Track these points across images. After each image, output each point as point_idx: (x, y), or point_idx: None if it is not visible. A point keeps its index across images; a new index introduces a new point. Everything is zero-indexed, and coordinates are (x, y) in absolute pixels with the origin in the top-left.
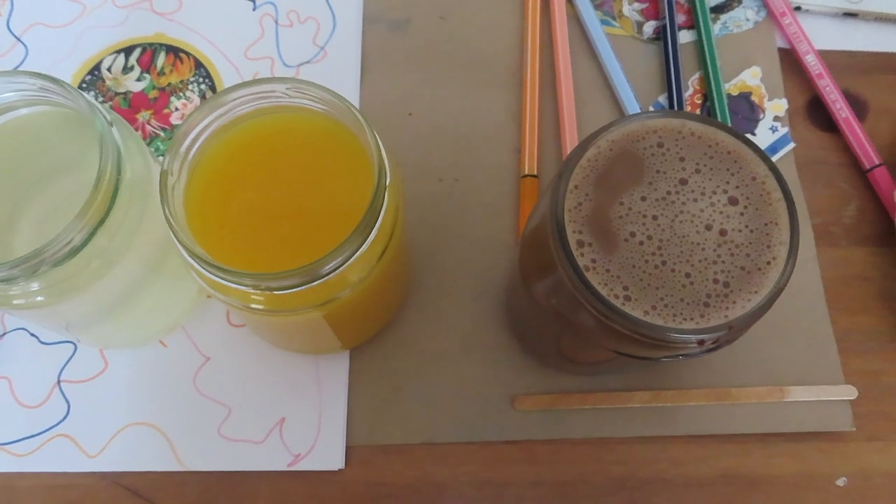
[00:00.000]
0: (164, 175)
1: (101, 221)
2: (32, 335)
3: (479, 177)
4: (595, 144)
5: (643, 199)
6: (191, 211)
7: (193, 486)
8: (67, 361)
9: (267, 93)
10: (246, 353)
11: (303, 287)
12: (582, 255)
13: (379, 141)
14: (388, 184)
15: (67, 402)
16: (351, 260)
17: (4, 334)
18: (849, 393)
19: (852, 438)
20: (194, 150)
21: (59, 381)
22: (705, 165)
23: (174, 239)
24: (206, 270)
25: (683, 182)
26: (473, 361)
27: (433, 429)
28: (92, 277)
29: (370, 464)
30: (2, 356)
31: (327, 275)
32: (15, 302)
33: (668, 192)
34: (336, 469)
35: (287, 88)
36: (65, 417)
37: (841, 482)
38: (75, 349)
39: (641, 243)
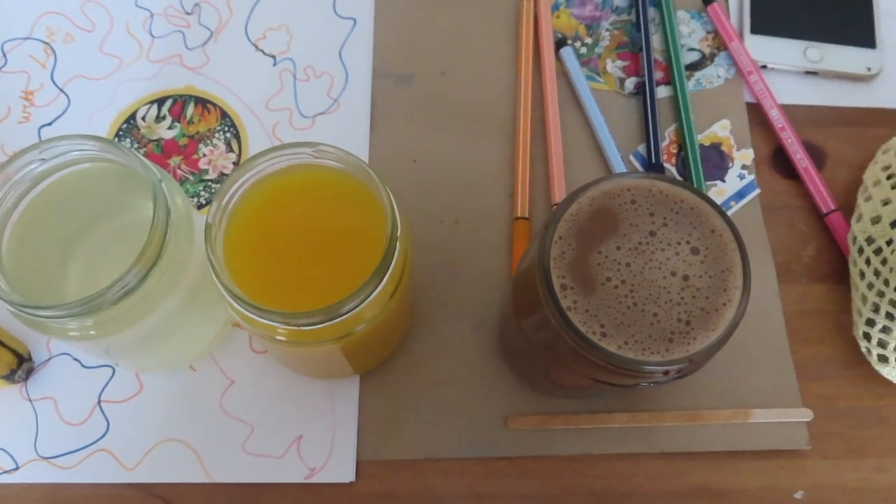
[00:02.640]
0: (208, 227)
1: (153, 265)
2: (75, 360)
3: (477, 218)
4: (577, 201)
5: (618, 248)
6: (228, 255)
7: (219, 496)
8: (107, 383)
9: (295, 154)
10: (267, 377)
11: (324, 324)
12: (565, 296)
13: (392, 198)
14: (399, 234)
15: (107, 420)
16: (367, 301)
17: (50, 359)
18: (805, 415)
19: (809, 456)
20: (233, 202)
21: (99, 402)
22: (671, 220)
23: (216, 280)
24: (242, 307)
25: (653, 234)
26: (471, 385)
27: (435, 445)
28: (140, 315)
29: (378, 477)
30: (47, 379)
31: (346, 313)
32: (70, 334)
33: (640, 243)
34: (348, 482)
35: (312, 151)
36: (105, 434)
37: (798, 495)
38: (113, 372)
39: (616, 287)
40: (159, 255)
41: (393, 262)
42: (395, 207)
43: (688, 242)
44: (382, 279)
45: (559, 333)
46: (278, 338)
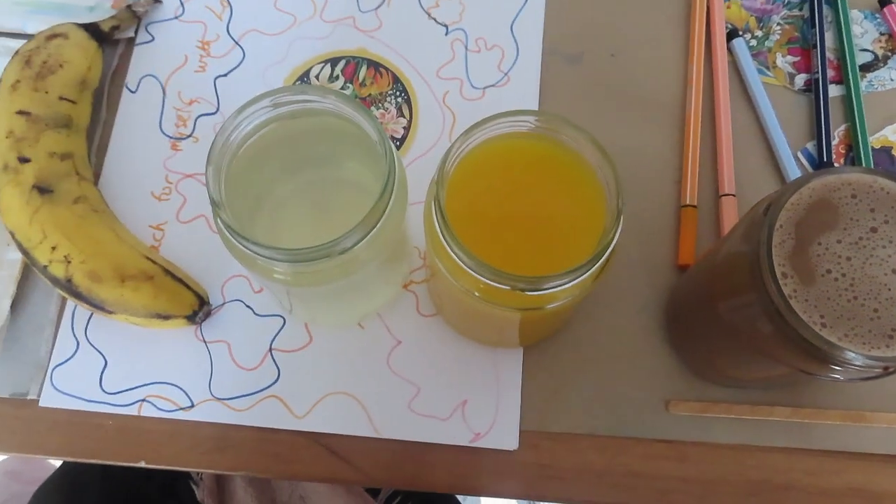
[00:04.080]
0: (437, 183)
1: (372, 228)
2: (247, 307)
3: (642, 203)
4: (798, 192)
5: (838, 241)
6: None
7: (385, 451)
8: (278, 332)
9: (518, 121)
10: (433, 341)
11: (525, 292)
12: (785, 285)
13: (618, 179)
14: (622, 209)
15: (278, 368)
16: (575, 281)
17: (224, 304)
18: None
19: None
20: (454, 165)
21: (270, 349)
22: (893, 218)
23: (440, 229)
24: (461, 259)
25: (874, 230)
26: (633, 366)
27: (595, 422)
28: (340, 274)
29: (539, 447)
30: (222, 323)
31: (548, 289)
32: (275, 276)
33: (860, 238)
34: (511, 449)
35: (535, 120)
36: (276, 381)
37: None
38: (284, 322)
39: (836, 280)
40: (379, 220)
41: (611, 247)
42: (620, 188)
43: None
44: (599, 259)
45: (771, 319)
46: (476, 294)
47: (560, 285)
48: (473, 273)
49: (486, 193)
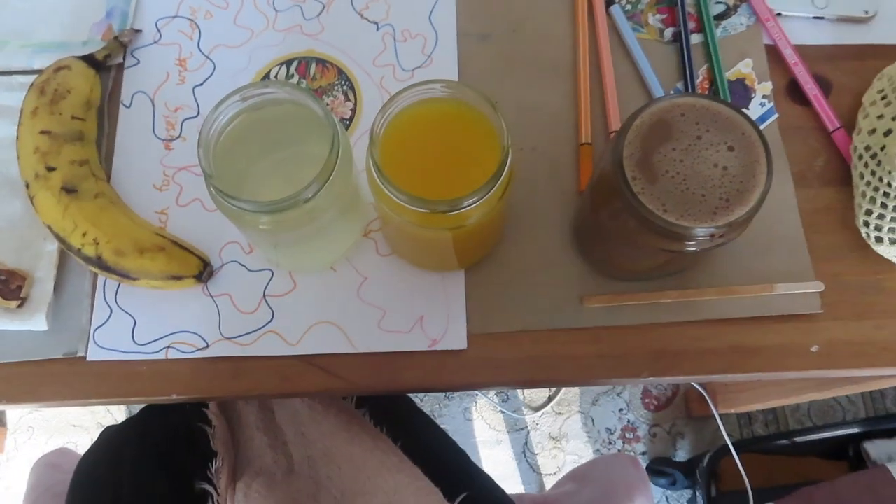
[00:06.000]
0: (373, 138)
1: (325, 182)
2: (242, 265)
3: (549, 145)
4: (640, 116)
5: (673, 149)
6: (382, 161)
7: (363, 363)
8: (268, 283)
9: (428, 89)
10: (392, 274)
11: (449, 213)
12: (635, 185)
13: (503, 121)
14: (509, 146)
15: (272, 309)
16: (484, 198)
17: (223, 265)
18: (818, 287)
19: (821, 319)
20: (384, 125)
21: (264, 296)
22: (712, 127)
23: (376, 175)
24: (393, 193)
25: (699, 138)
26: (552, 274)
27: (526, 320)
28: (308, 220)
29: (484, 345)
30: (223, 280)
31: (466, 206)
32: (260, 227)
33: (689, 145)
34: (461, 349)
35: (441, 86)
36: (271, 320)
37: (814, 349)
38: (272, 275)
39: (673, 177)
40: (330, 175)
41: (505, 170)
42: (506, 129)
43: (725, 143)
44: (497, 181)
45: (632, 213)
46: (413, 222)
47: (471, 203)
48: (406, 205)
49: (409, 146)
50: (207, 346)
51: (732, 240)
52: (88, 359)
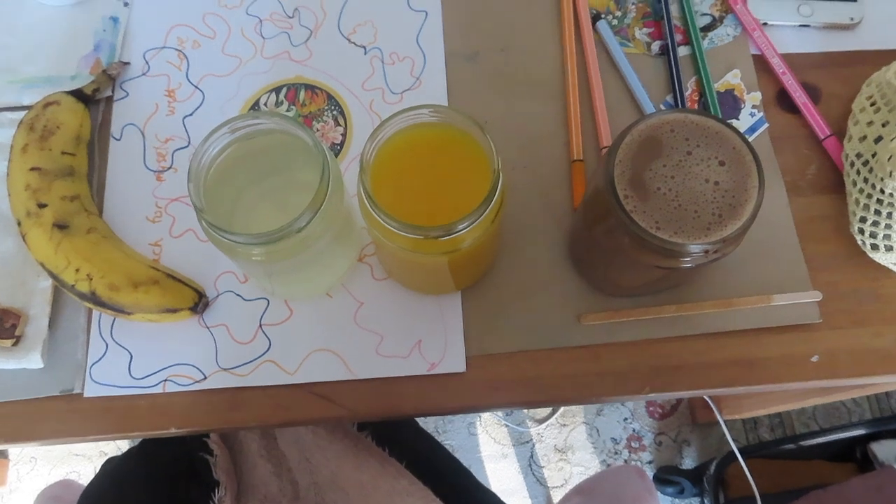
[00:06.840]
0: (363, 165)
1: (317, 210)
2: (237, 295)
3: (541, 164)
4: (630, 133)
5: (664, 165)
6: (373, 187)
7: (362, 389)
8: (264, 311)
9: (417, 114)
10: (388, 299)
11: (442, 238)
12: (627, 203)
13: (493, 143)
14: (500, 168)
15: (268, 338)
16: (476, 222)
17: (218, 296)
18: (816, 296)
19: (820, 328)
20: (374, 151)
21: (261, 325)
22: (703, 142)
23: (367, 202)
24: (385, 220)
25: (689, 153)
26: (549, 293)
27: (524, 340)
28: (301, 248)
29: (483, 367)
30: (218, 311)
31: (460, 231)
32: (253, 258)
33: (680, 160)
34: (460, 371)
35: (429, 111)
36: (268, 349)
37: (814, 359)
38: (268, 303)
39: (665, 194)
40: (322, 204)
41: (497, 193)
42: (496, 151)
43: (716, 157)
44: (490, 204)
45: (625, 231)
46: (406, 248)
47: (464, 227)
48: (399, 231)
49: (400, 172)
50: (205, 377)
51: (728, 254)
52: (86, 395)
